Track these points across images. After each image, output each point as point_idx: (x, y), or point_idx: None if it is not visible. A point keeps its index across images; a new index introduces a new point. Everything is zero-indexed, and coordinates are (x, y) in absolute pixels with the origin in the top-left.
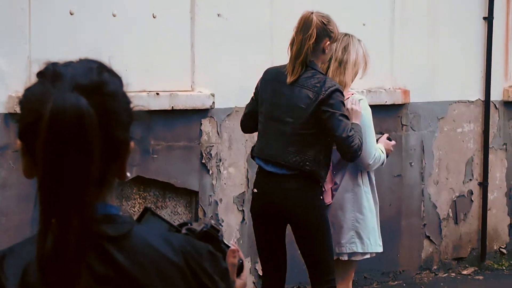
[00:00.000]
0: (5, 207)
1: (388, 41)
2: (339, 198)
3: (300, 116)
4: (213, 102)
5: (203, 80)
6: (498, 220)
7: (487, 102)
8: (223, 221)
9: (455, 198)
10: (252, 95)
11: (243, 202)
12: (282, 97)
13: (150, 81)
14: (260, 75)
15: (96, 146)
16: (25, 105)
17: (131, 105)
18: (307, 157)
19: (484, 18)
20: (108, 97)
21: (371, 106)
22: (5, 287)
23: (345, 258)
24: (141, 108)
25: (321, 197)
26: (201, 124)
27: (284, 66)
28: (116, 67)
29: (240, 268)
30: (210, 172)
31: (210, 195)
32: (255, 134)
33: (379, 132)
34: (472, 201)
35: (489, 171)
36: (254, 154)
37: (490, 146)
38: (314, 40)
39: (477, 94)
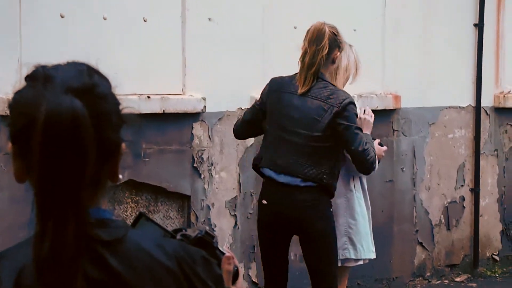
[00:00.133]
0: None
1: (380, 47)
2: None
3: (315, 128)
4: (204, 106)
5: (194, 84)
6: (490, 227)
7: (478, 108)
8: (215, 226)
9: (447, 204)
10: (254, 103)
11: (235, 207)
12: (294, 108)
13: (141, 84)
14: (251, 79)
15: (91, 148)
16: (17, 109)
17: (121, 107)
18: (324, 170)
19: (475, 25)
20: (99, 99)
21: None
22: None
23: (339, 264)
24: (131, 110)
25: (331, 209)
26: (192, 128)
27: (291, 76)
28: (107, 71)
29: (235, 275)
30: (202, 176)
31: (202, 200)
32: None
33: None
34: (464, 207)
35: (480, 177)
36: (262, 164)
37: (482, 152)
38: (327, 51)
39: (468, 100)
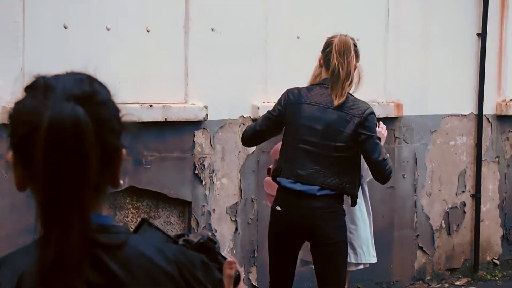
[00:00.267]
0: None
1: (382, 55)
2: None
3: (338, 139)
4: (206, 114)
5: (196, 93)
6: (491, 232)
7: (480, 116)
8: (216, 231)
9: (447, 210)
10: (268, 114)
11: (236, 213)
12: (315, 119)
13: (143, 93)
14: (253, 88)
15: (94, 154)
16: (18, 118)
17: (121, 114)
18: (347, 179)
19: (478, 35)
20: (100, 105)
21: None
22: None
23: None
24: (131, 117)
25: (345, 217)
26: (194, 135)
27: (309, 87)
28: (110, 80)
29: (236, 280)
30: (203, 182)
31: (203, 206)
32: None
33: None
34: (465, 212)
35: (482, 183)
36: (282, 175)
37: (483, 158)
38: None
39: (470, 108)
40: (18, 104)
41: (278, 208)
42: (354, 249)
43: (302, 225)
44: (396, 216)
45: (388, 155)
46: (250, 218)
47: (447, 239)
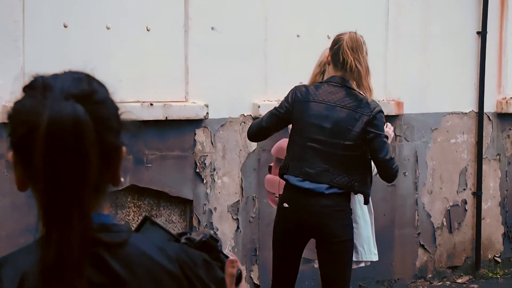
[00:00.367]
0: None
1: (382, 53)
2: None
3: (347, 137)
4: (207, 113)
5: (197, 91)
6: (492, 229)
7: (480, 113)
8: (217, 230)
9: (449, 208)
10: (274, 111)
11: (238, 211)
12: (323, 118)
13: (144, 92)
14: (253, 86)
15: (94, 152)
16: (17, 118)
17: (120, 112)
18: (355, 177)
19: (478, 33)
20: (98, 104)
21: None
22: None
23: None
24: (130, 115)
25: (352, 216)
26: (195, 134)
27: (316, 85)
28: (110, 79)
29: (238, 278)
30: (204, 181)
31: (205, 204)
32: (249, 143)
33: None
34: (466, 210)
35: (482, 181)
36: (289, 173)
37: (484, 156)
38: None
39: (470, 106)
40: (17, 104)
41: (285, 205)
42: (355, 247)
43: (310, 223)
44: (397, 214)
45: (394, 153)
46: (252, 217)
47: (448, 237)
